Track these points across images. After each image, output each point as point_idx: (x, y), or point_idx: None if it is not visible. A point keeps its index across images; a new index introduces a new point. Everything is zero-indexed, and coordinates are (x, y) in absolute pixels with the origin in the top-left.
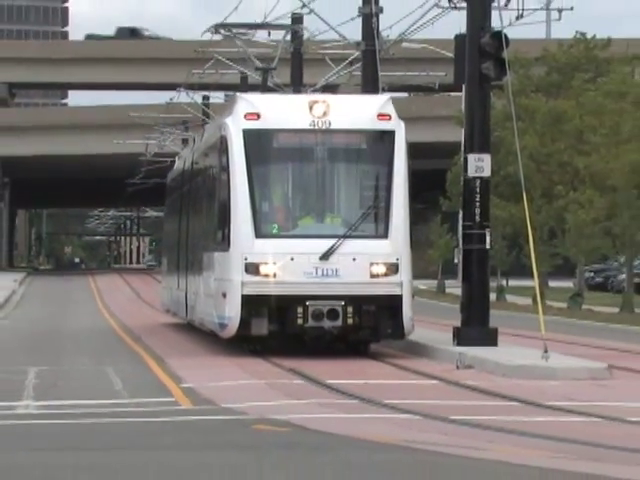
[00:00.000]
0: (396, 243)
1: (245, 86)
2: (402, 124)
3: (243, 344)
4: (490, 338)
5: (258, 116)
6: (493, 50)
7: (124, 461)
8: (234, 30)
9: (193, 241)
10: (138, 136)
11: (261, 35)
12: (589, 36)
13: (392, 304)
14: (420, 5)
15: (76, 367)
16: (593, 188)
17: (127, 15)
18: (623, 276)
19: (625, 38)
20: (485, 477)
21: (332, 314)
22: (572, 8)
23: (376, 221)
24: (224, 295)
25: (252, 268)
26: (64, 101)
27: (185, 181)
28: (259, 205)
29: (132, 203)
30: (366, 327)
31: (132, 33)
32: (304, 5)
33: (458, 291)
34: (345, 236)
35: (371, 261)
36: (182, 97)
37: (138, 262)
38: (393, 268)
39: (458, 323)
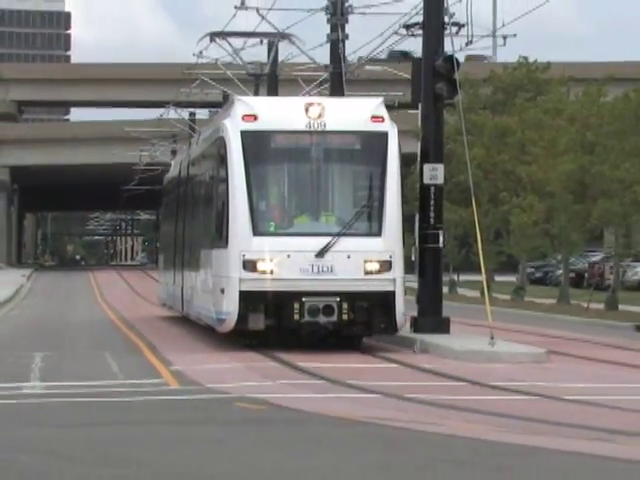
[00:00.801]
0: (389, 241)
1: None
2: (395, 126)
3: (239, 339)
4: (443, 326)
5: (255, 118)
6: (446, 72)
7: (119, 435)
8: (228, 38)
9: (190, 239)
10: (132, 148)
11: (245, 56)
12: (531, 60)
13: (385, 300)
14: (381, 33)
15: (78, 352)
16: (534, 194)
17: (122, 40)
18: (560, 272)
19: (562, 62)
20: (439, 449)
21: (327, 310)
22: (515, 35)
23: (370, 220)
24: (222, 291)
25: (250, 265)
26: (66, 117)
27: (182, 182)
28: (256, 204)
29: (127, 207)
30: (360, 322)
31: (403, 55)
32: (279, 32)
33: (415, 285)
34: (340, 234)
35: (365, 258)
36: (171, 113)
37: (132, 259)
38: (386, 265)
39: (415, 313)
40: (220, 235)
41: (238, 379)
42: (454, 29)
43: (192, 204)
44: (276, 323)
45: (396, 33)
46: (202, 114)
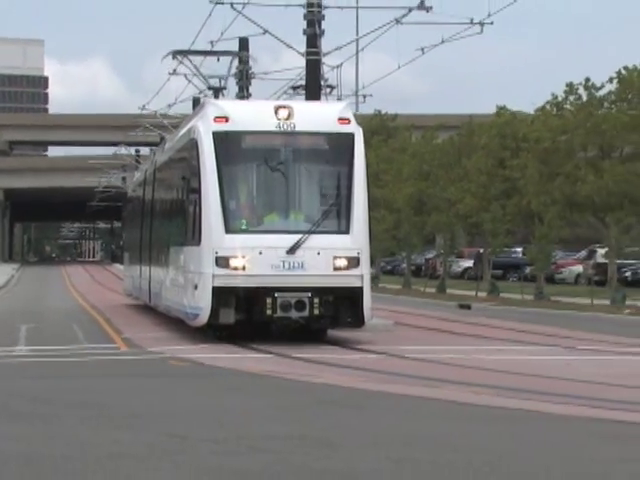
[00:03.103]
0: (357, 238)
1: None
2: (360, 129)
3: (210, 331)
4: None
5: (227, 119)
6: None
7: (84, 385)
8: (189, 56)
9: (159, 237)
10: (94, 175)
11: (175, 109)
12: (383, 112)
13: (353, 295)
14: (275, 92)
15: (53, 324)
16: (385, 209)
17: (86, 96)
18: (404, 265)
19: (406, 113)
20: (317, 394)
21: (299, 305)
22: (372, 95)
23: (338, 218)
24: (195, 287)
25: (222, 261)
26: (45, 153)
27: (148, 186)
28: (229, 202)
29: (90, 218)
30: (329, 316)
31: None
32: (200, 92)
33: None
34: (310, 231)
35: (334, 255)
36: (122, 150)
37: (93, 257)
38: (354, 261)
39: None
40: (193, 233)
41: (171, 344)
42: (328, 90)
43: (161, 205)
44: (249, 317)
45: (285, 92)
46: (145, 151)
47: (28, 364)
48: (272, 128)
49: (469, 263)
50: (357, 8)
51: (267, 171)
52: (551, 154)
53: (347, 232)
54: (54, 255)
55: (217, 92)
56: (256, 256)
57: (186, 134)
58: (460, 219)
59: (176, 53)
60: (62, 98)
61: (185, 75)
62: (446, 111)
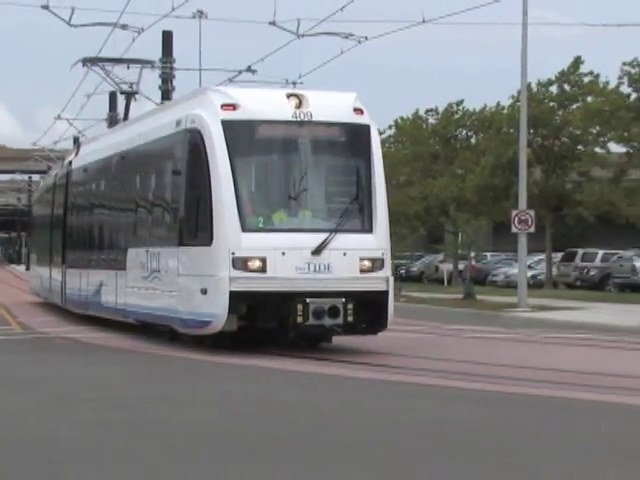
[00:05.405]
0: (380, 238)
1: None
2: (373, 121)
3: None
4: None
5: (235, 107)
6: None
7: None
8: (100, 64)
9: (111, 237)
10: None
11: (60, 145)
12: None
13: (380, 299)
14: None
15: None
16: None
17: None
18: None
19: None
20: (182, 365)
21: (333, 311)
22: None
23: (361, 215)
24: (204, 291)
25: (240, 263)
26: None
27: (58, 193)
28: (244, 198)
29: None
30: (358, 322)
31: None
32: (79, 132)
33: None
34: (336, 230)
35: (360, 256)
36: (17, 177)
37: None
38: (379, 263)
39: None
40: (196, 232)
41: (57, 326)
42: None
43: (106, 206)
44: (273, 325)
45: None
46: (35, 178)
47: None
48: (288, 117)
49: None
50: (200, 70)
51: (284, 164)
52: None
53: (371, 231)
54: None
55: (129, 96)
56: (278, 257)
57: (173, 124)
58: None
59: (86, 61)
60: None
61: (67, 119)
62: None
